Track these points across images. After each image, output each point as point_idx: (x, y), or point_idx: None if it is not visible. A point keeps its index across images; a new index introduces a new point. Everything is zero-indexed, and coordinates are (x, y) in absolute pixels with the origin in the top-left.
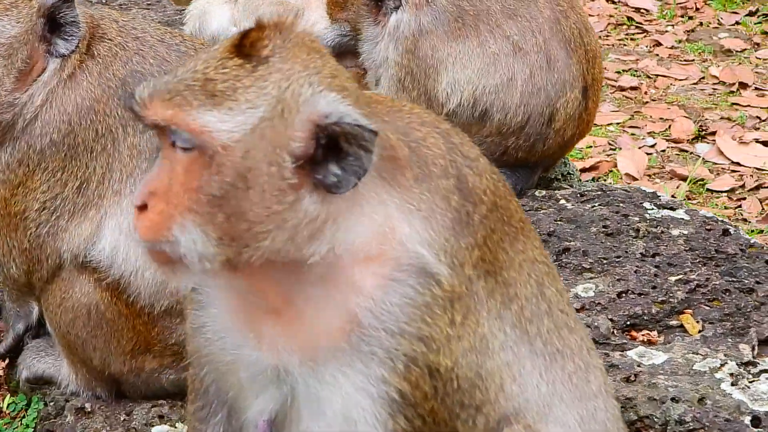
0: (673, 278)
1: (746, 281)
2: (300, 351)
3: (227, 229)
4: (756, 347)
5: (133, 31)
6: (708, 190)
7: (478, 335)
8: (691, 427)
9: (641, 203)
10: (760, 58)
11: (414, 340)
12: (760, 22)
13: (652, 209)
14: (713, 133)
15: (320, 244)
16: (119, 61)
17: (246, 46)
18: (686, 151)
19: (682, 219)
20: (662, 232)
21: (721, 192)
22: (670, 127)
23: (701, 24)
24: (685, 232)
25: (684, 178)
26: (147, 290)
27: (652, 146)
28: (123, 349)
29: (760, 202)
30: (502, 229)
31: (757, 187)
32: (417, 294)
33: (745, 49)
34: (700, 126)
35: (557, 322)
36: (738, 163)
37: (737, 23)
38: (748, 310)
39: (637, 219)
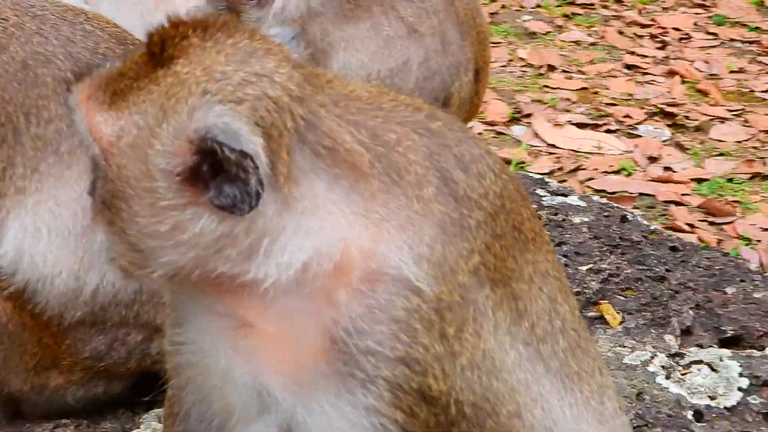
0: (584, 268)
1: (656, 269)
2: (280, 373)
3: (126, 239)
4: (679, 337)
5: (30, 9)
6: (529, 173)
7: (480, 351)
8: (635, 425)
9: (534, 190)
10: (564, 41)
11: (392, 363)
12: (560, 5)
13: (547, 196)
14: (528, 116)
15: (266, 266)
16: (16, 42)
17: (153, 44)
18: (503, 134)
19: (579, 206)
20: (563, 219)
21: (542, 174)
22: (485, 110)
23: (504, 6)
24: (586, 220)
25: (504, 161)
26: (56, 299)
27: (470, 129)
28: (26, 366)
29: (581, 184)
30: (512, 235)
31: (576, 169)
32: (386, 306)
33: (549, 32)
34: (514, 108)
35: (571, 343)
36: (554, 145)
37: (539, 6)
38: (665, 299)
39: (535, 206)
